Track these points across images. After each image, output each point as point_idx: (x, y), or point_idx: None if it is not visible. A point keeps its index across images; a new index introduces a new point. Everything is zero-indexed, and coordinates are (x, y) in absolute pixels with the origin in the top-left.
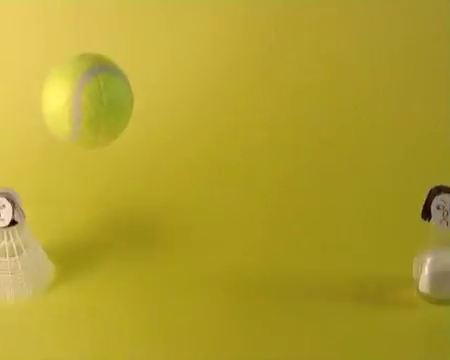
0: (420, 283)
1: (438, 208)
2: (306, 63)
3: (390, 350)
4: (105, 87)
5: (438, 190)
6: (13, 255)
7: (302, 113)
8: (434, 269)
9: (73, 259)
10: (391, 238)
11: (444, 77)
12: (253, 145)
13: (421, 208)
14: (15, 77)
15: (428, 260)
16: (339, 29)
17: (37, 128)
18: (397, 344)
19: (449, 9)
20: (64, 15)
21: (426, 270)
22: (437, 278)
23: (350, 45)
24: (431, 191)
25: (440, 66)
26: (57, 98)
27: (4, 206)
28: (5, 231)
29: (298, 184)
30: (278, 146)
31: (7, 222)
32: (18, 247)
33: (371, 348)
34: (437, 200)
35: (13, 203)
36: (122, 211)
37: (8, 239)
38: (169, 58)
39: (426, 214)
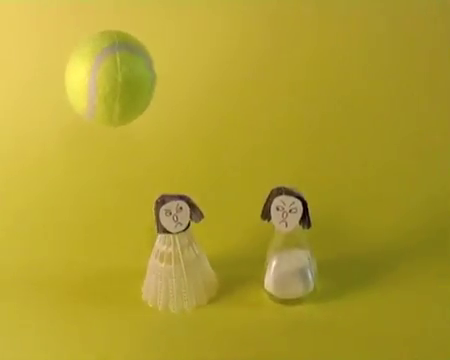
0: (265, 283)
1: (278, 209)
2: (305, 61)
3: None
4: (122, 65)
5: (278, 191)
6: (170, 263)
7: (302, 112)
8: (278, 269)
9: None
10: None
11: (444, 75)
12: (252, 143)
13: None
14: (14, 77)
15: (273, 260)
16: (337, 26)
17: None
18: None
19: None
20: (63, 14)
21: (271, 270)
22: (280, 278)
23: (349, 44)
24: (272, 192)
25: (440, 63)
26: (76, 74)
27: (181, 209)
28: (172, 237)
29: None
30: (278, 145)
31: (185, 225)
32: (184, 254)
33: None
34: (277, 201)
35: (191, 205)
36: None
37: (175, 245)
38: (168, 56)
39: (265, 215)
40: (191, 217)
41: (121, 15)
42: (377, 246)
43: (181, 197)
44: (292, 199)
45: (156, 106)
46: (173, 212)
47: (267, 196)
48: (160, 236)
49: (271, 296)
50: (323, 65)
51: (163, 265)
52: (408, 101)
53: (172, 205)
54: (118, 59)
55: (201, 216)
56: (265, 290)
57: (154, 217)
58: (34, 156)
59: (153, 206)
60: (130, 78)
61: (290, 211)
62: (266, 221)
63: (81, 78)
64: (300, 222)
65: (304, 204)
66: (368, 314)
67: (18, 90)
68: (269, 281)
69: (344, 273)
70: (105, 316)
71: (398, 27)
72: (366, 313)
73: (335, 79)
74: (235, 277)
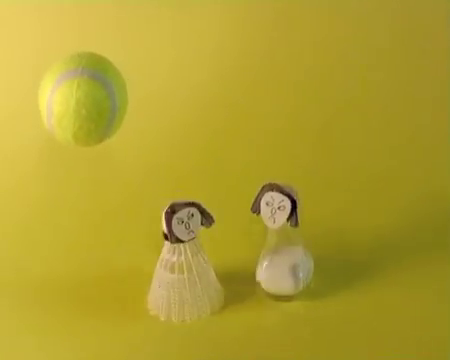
0: (257, 278)
1: (267, 204)
2: (304, 62)
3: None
4: (77, 91)
5: (270, 187)
6: (182, 272)
7: (302, 113)
8: (270, 266)
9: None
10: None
11: (444, 72)
12: (253, 144)
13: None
14: (14, 78)
15: (265, 257)
16: (338, 28)
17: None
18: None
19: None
20: (63, 15)
21: (263, 267)
22: (272, 275)
23: (350, 45)
24: (263, 187)
25: (439, 60)
26: (41, 92)
27: (193, 215)
28: (182, 245)
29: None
30: (278, 146)
31: (195, 232)
32: (194, 263)
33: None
34: (267, 196)
35: (202, 212)
36: None
37: (186, 254)
38: (169, 59)
39: (255, 208)
40: (202, 223)
41: (120, 17)
42: (373, 244)
43: (191, 204)
44: (281, 197)
45: (154, 109)
46: (185, 220)
47: (259, 189)
48: (167, 245)
49: (263, 292)
50: (323, 67)
51: (171, 275)
52: (407, 103)
53: (183, 213)
54: (76, 84)
55: (212, 220)
56: (257, 285)
57: (165, 227)
58: (36, 156)
59: (163, 216)
60: (84, 105)
61: (278, 208)
62: (256, 214)
63: (44, 97)
64: (288, 219)
65: (293, 202)
66: (363, 312)
67: (17, 92)
68: (261, 277)
69: (339, 271)
70: (106, 325)
71: (399, 30)
72: (361, 311)
73: (335, 80)
74: (235, 276)
